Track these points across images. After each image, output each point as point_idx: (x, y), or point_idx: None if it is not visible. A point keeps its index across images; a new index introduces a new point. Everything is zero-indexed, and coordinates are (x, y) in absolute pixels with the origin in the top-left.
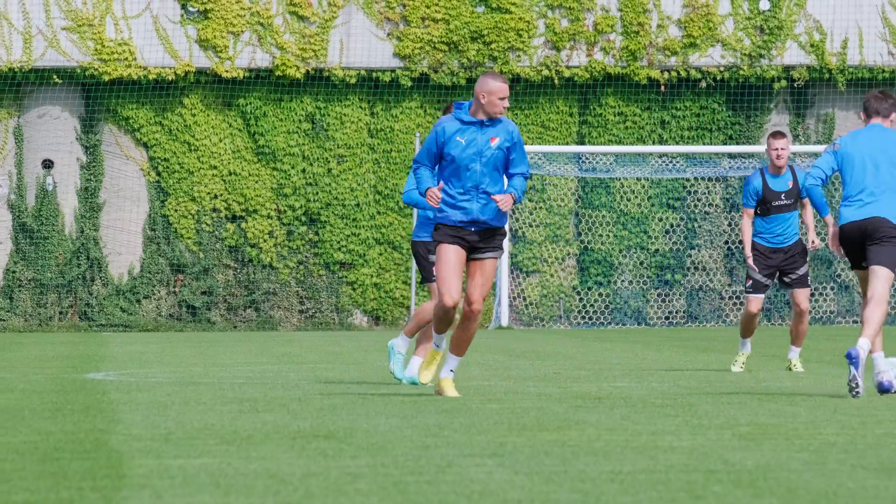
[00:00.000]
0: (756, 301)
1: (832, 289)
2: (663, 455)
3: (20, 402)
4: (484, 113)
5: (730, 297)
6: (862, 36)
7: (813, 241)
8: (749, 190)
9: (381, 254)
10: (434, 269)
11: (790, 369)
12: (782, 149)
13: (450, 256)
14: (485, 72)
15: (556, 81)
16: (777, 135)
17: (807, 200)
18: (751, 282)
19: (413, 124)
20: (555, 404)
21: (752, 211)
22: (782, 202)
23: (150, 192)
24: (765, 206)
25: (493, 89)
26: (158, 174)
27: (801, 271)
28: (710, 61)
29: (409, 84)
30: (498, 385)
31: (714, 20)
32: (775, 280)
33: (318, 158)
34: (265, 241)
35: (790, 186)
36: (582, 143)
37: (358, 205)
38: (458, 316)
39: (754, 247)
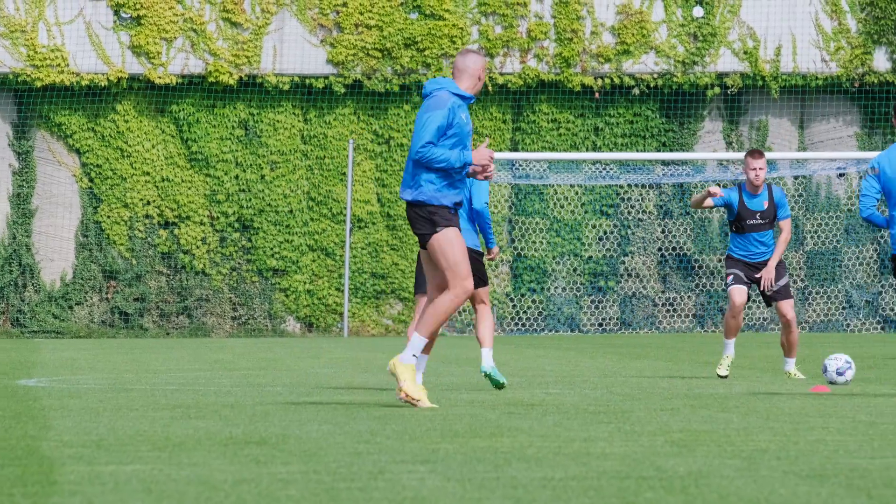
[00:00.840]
0: (739, 292)
1: None
2: (596, 462)
3: None
4: (475, 91)
5: (663, 304)
6: (795, 43)
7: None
8: (725, 201)
9: (314, 260)
10: (447, 254)
11: (789, 377)
12: (760, 168)
13: (461, 241)
14: (467, 50)
15: (490, 88)
16: (755, 154)
17: (784, 223)
18: (731, 276)
19: (346, 131)
20: (487, 411)
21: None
22: (757, 221)
23: (82, 198)
24: (739, 224)
25: (486, 66)
26: (91, 180)
27: (782, 282)
28: (643, 68)
29: (343, 90)
30: (430, 392)
31: (647, 27)
32: (756, 291)
33: (251, 165)
34: (198, 247)
35: (765, 207)
36: (515, 149)
37: (291, 211)
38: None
39: (733, 258)
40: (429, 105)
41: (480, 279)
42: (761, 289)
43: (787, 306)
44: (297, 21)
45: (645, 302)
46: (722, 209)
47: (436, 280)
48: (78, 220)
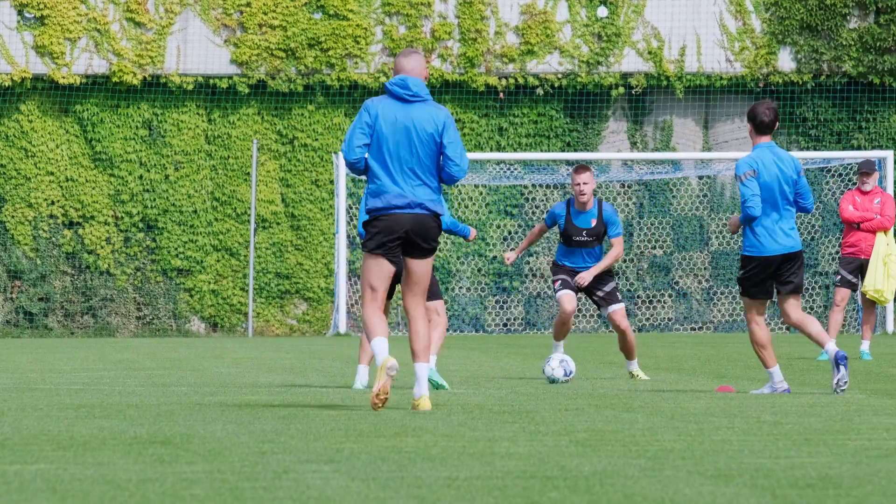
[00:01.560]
0: (569, 299)
1: (670, 296)
2: (500, 461)
3: None
4: None
5: None
6: (700, 43)
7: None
8: (551, 215)
9: (218, 260)
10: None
11: (633, 377)
12: (585, 183)
13: None
14: (410, 50)
15: None
16: (580, 169)
17: (615, 240)
18: (559, 282)
19: (250, 131)
20: (391, 411)
21: (544, 226)
22: (583, 238)
23: None
24: (566, 238)
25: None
26: None
27: (608, 288)
28: (547, 68)
29: (247, 91)
30: (334, 392)
31: (552, 27)
32: (585, 297)
33: (155, 165)
34: (102, 247)
35: (593, 224)
36: None
37: (195, 211)
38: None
39: (559, 265)
40: (452, 121)
41: (434, 294)
42: (574, 285)
43: (619, 315)
44: (201, 21)
45: (550, 302)
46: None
47: (414, 291)
48: None
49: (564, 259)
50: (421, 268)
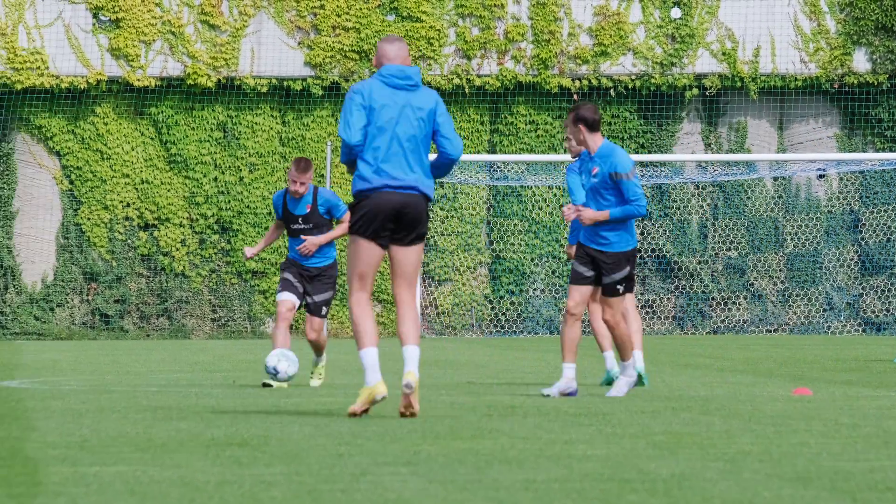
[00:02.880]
0: (284, 301)
1: (745, 298)
2: (577, 464)
3: None
4: None
5: (642, 306)
6: (774, 44)
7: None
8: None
9: None
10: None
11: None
12: (301, 183)
13: None
14: (394, 37)
15: (467, 90)
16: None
17: (344, 217)
18: (280, 283)
19: (324, 133)
20: (468, 413)
21: (280, 221)
22: (300, 226)
23: (62, 200)
24: (288, 226)
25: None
26: (71, 183)
27: (320, 298)
28: (621, 70)
29: (321, 93)
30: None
31: (625, 28)
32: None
33: (229, 167)
34: (177, 249)
35: (308, 210)
36: (493, 151)
37: (270, 213)
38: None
39: (287, 260)
40: (442, 102)
41: None
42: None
43: (317, 324)
44: (275, 23)
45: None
46: None
47: (403, 278)
48: (58, 223)
49: (290, 252)
50: (410, 256)
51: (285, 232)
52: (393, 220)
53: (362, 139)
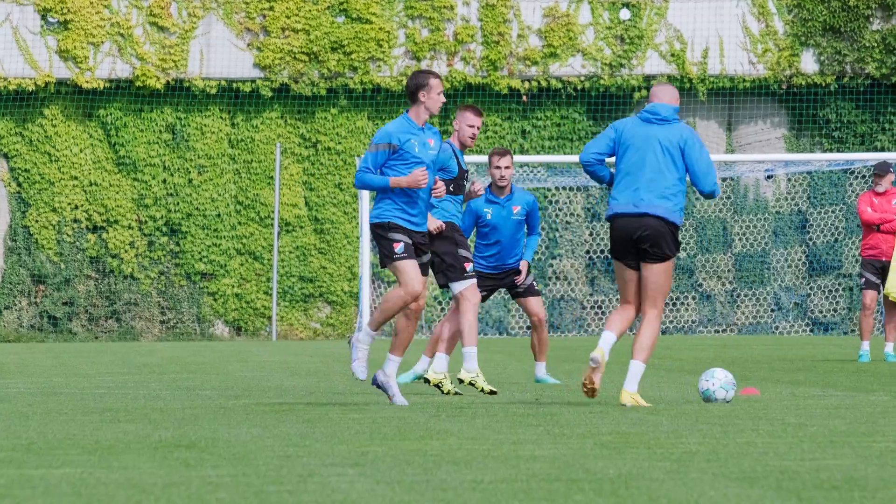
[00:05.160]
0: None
1: (694, 298)
2: (525, 464)
3: None
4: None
5: (591, 307)
6: (723, 45)
7: None
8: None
9: (242, 264)
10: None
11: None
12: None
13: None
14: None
15: None
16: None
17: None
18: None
19: (273, 135)
20: (416, 414)
21: None
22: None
23: (10, 202)
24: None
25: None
26: (19, 185)
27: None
28: (570, 71)
29: (270, 94)
30: (359, 395)
31: (574, 30)
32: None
33: (178, 169)
34: (126, 251)
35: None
36: None
37: (219, 215)
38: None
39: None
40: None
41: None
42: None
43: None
44: (224, 25)
45: (573, 305)
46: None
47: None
48: (6, 225)
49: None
50: (654, 274)
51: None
52: (633, 244)
53: (593, 161)
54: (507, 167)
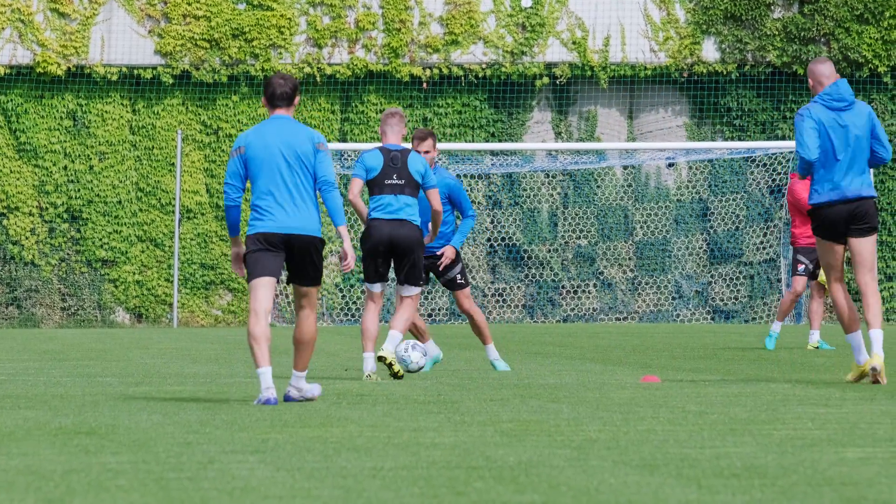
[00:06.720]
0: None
1: (594, 286)
2: (425, 451)
3: None
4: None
5: (492, 295)
6: (624, 33)
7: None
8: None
9: (143, 251)
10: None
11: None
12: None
13: None
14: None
15: (318, 79)
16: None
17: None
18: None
19: (175, 121)
20: (317, 401)
21: None
22: None
23: None
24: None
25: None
26: None
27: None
28: (472, 58)
29: (171, 81)
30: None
31: (476, 17)
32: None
33: (79, 155)
34: (27, 238)
35: None
36: (344, 140)
37: (120, 202)
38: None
39: None
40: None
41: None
42: None
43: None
44: (125, 11)
45: (474, 293)
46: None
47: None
48: None
49: None
50: (866, 246)
51: None
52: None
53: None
54: (426, 151)
